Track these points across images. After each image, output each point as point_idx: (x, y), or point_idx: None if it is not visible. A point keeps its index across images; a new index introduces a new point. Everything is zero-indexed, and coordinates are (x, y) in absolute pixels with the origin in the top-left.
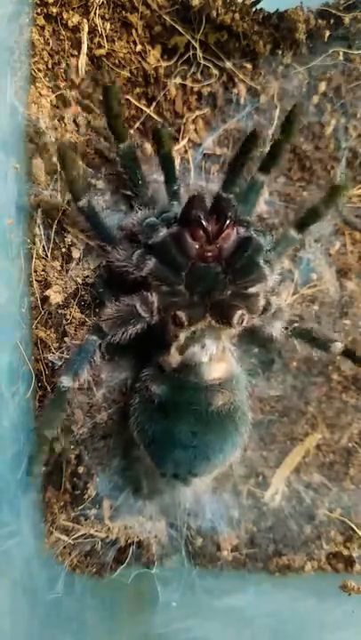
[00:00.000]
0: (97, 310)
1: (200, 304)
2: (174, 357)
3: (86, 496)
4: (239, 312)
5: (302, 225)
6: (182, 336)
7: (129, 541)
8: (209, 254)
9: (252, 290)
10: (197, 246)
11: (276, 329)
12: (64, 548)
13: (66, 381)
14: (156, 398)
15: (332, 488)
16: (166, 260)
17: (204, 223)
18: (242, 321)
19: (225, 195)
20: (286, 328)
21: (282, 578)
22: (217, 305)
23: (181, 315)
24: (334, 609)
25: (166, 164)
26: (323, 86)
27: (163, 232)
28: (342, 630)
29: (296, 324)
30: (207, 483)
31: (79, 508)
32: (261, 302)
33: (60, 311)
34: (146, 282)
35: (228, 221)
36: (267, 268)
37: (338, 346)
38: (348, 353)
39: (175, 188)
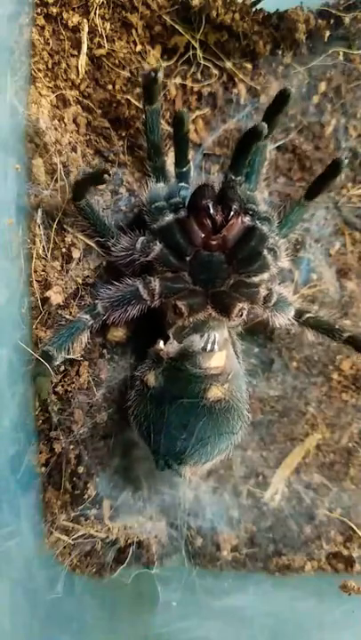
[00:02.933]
0: None
1: (202, 293)
2: (172, 346)
3: (86, 496)
4: (239, 305)
5: (311, 195)
6: (181, 324)
7: (129, 541)
8: (213, 243)
9: (254, 279)
10: (202, 235)
11: (281, 319)
12: (64, 548)
13: (50, 353)
14: (151, 388)
15: (332, 488)
16: (171, 245)
17: (210, 212)
18: (241, 314)
19: (231, 184)
20: (299, 318)
21: (282, 578)
22: (218, 295)
23: (181, 305)
24: (334, 609)
25: (181, 145)
26: (323, 86)
27: (169, 217)
28: (342, 630)
29: (308, 315)
30: (204, 470)
31: (79, 507)
32: (263, 292)
33: (60, 311)
34: (150, 268)
35: (233, 212)
36: (270, 257)
37: (346, 335)
38: (352, 341)
39: (185, 170)
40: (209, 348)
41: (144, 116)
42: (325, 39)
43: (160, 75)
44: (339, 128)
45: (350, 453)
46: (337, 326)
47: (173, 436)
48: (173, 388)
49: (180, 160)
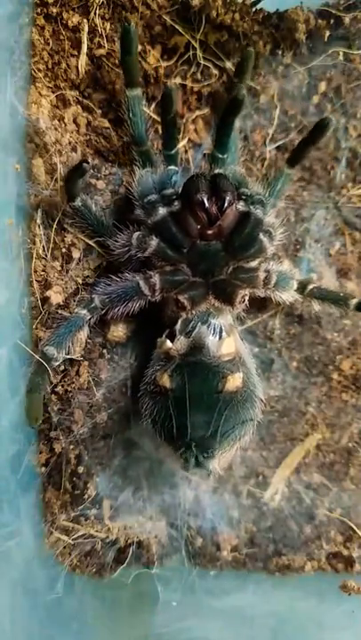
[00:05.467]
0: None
1: (202, 284)
2: (181, 342)
3: (86, 496)
4: (241, 292)
5: (293, 161)
6: (185, 317)
7: (129, 541)
8: (210, 232)
9: (252, 264)
10: (198, 226)
11: (286, 296)
12: (64, 548)
13: (49, 352)
14: (169, 390)
15: (332, 488)
16: (167, 239)
17: (205, 205)
18: (243, 300)
19: (222, 173)
20: (303, 291)
21: (282, 578)
22: (219, 284)
23: (183, 298)
24: (334, 609)
25: (169, 127)
26: (323, 86)
27: (163, 211)
28: (342, 630)
29: (312, 285)
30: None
31: (79, 508)
32: (262, 275)
33: (60, 311)
34: (148, 263)
35: (227, 203)
36: (266, 239)
37: (355, 301)
38: None
39: (173, 152)
40: (218, 336)
41: (125, 102)
42: (325, 39)
43: (133, 26)
44: (339, 128)
45: (350, 453)
46: (342, 294)
47: (200, 435)
48: (192, 384)
49: (169, 142)
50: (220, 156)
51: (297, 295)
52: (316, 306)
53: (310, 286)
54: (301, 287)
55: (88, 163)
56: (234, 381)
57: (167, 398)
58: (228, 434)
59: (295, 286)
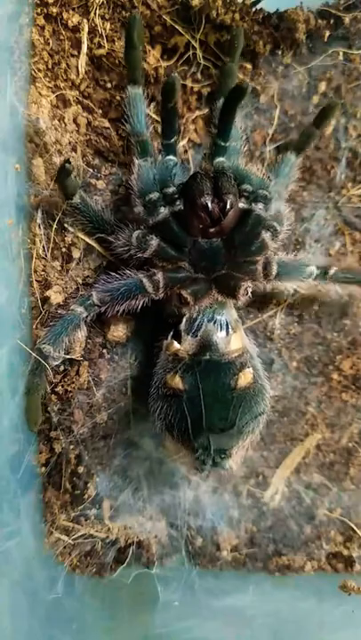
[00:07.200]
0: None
1: (204, 279)
2: (188, 342)
3: (86, 496)
4: (244, 284)
5: (299, 148)
6: (189, 316)
7: (129, 541)
8: (211, 230)
9: (254, 259)
10: (201, 226)
11: (293, 284)
12: (64, 548)
13: (45, 350)
14: (182, 393)
15: (332, 488)
16: (169, 239)
17: (208, 208)
18: (247, 292)
19: (225, 173)
20: (324, 276)
21: (282, 578)
22: (222, 278)
23: (186, 294)
24: (334, 609)
25: (169, 116)
26: (323, 86)
27: (165, 211)
28: (342, 630)
29: (334, 270)
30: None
31: (79, 508)
32: (260, 267)
33: (60, 311)
34: (150, 261)
35: (229, 205)
36: (268, 235)
37: None
38: None
39: (172, 142)
40: (225, 332)
41: (126, 96)
42: (325, 39)
43: (139, 16)
44: (339, 128)
45: (350, 453)
46: None
47: (217, 434)
48: (205, 383)
49: (168, 131)
50: (223, 144)
51: (311, 282)
52: (340, 290)
53: (332, 270)
54: (323, 273)
55: (70, 162)
56: (245, 377)
57: (181, 400)
58: (244, 430)
59: (315, 273)
